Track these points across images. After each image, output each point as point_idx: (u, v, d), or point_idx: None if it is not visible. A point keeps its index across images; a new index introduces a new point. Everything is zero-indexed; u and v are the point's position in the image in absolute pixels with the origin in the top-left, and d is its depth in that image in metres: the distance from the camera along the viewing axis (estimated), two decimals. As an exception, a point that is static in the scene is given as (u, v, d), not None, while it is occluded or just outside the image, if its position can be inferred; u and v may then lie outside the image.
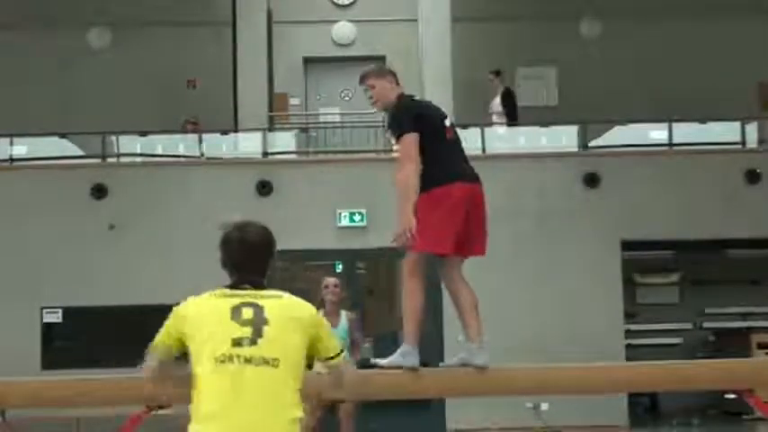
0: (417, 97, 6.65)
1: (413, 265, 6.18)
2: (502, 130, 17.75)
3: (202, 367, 4.09)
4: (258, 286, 4.31)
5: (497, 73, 17.75)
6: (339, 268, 16.40)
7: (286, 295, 4.33)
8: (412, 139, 6.20)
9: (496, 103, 17.66)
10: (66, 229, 16.12)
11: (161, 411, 6.03)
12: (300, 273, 16.39)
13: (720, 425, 16.62)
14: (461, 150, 6.44)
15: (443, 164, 6.24)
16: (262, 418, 3.99)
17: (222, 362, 4.04)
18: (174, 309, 4.41)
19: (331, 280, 10.61)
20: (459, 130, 6.72)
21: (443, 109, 6.72)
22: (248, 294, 4.24)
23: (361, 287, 16.13)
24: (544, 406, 14.62)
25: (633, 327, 17.38)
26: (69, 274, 16.00)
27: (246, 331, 4.09)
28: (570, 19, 20.01)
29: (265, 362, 4.05)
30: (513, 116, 17.59)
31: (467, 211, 6.26)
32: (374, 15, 20.41)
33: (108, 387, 6.34)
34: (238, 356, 4.04)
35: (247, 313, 4.14)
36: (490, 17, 19.82)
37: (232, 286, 4.31)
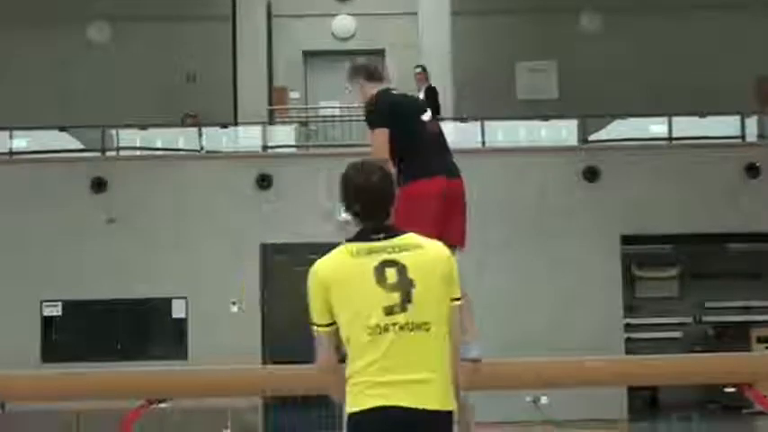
0: (396, 91, 6.53)
1: None
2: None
3: (356, 336, 4.08)
4: (390, 233, 4.20)
5: (424, 69, 17.64)
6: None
7: (422, 243, 4.21)
8: (380, 133, 6.21)
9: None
10: (66, 223, 16.12)
11: (160, 405, 6.03)
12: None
13: (720, 419, 16.63)
14: (443, 143, 6.34)
15: (421, 158, 6.21)
16: (418, 383, 4.02)
17: (378, 332, 4.04)
18: (311, 277, 4.26)
19: None
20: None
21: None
22: (385, 247, 4.17)
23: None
24: (544, 399, 14.64)
25: (633, 320, 17.38)
26: (69, 268, 16.01)
27: (395, 297, 4.05)
28: (570, 13, 19.99)
29: (418, 327, 4.05)
30: (435, 113, 17.48)
31: (445, 205, 6.19)
32: (374, 9, 20.39)
33: (108, 380, 6.34)
34: (393, 324, 4.03)
35: (391, 275, 4.08)
36: (490, 11, 19.79)
37: (365, 237, 4.24)
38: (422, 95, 17.27)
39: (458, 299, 4.27)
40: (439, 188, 6.18)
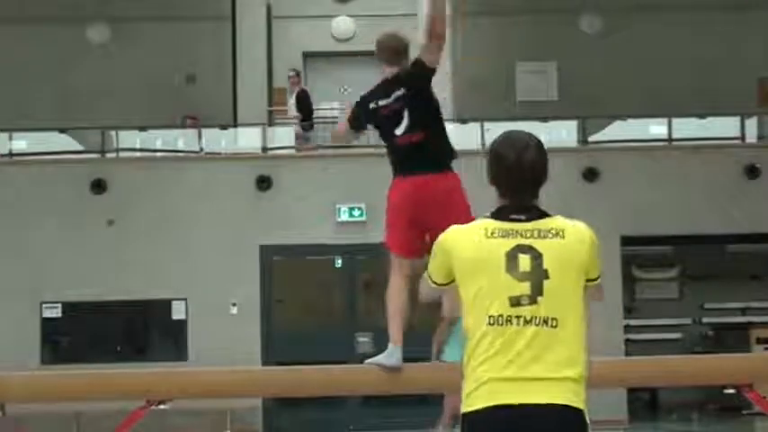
0: (369, 98, 6.48)
1: (392, 264, 6.25)
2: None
3: (476, 323, 3.70)
4: (532, 214, 3.82)
5: (298, 73, 17.66)
6: (339, 263, 16.42)
7: (566, 229, 3.86)
8: (342, 126, 6.63)
9: (291, 103, 17.64)
10: (66, 224, 16.13)
11: (161, 407, 6.03)
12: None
13: (719, 420, 16.63)
14: (419, 152, 6.18)
15: (394, 163, 6.31)
16: (543, 374, 3.66)
17: (500, 324, 3.66)
18: (437, 243, 3.88)
19: None
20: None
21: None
22: (524, 230, 3.77)
23: (361, 282, 16.15)
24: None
25: (633, 322, 17.39)
26: (69, 270, 16.01)
27: (525, 288, 3.68)
28: (570, 14, 20.00)
29: (545, 322, 3.68)
30: (307, 117, 17.51)
31: (413, 207, 6.12)
32: (374, 10, 20.38)
33: (108, 381, 6.34)
34: (518, 317, 3.65)
35: (524, 263, 3.70)
36: (490, 11, 19.80)
37: (503, 215, 3.83)
38: (293, 100, 17.33)
39: (596, 279, 3.98)
40: (402, 190, 6.19)
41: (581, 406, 3.76)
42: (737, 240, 17.45)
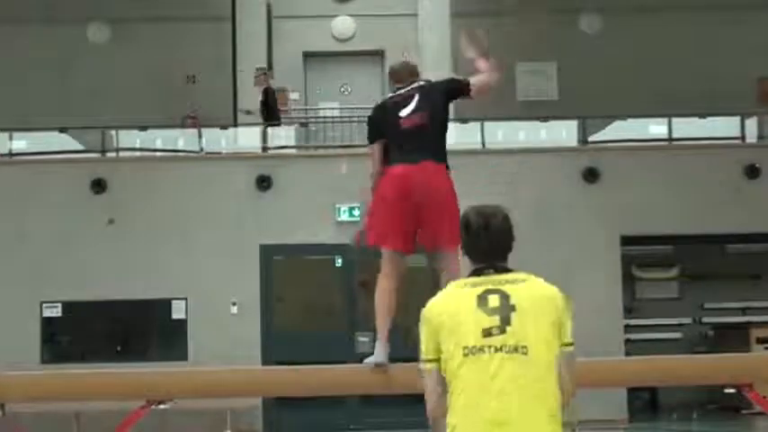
0: (390, 94, 6.63)
1: (382, 262, 6.26)
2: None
3: (453, 359, 4.01)
4: (501, 270, 4.19)
5: (265, 72, 17.60)
6: (338, 263, 16.42)
7: (531, 278, 4.20)
8: (371, 149, 6.52)
9: (260, 101, 17.60)
10: (66, 224, 16.13)
11: (161, 407, 6.03)
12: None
13: (719, 419, 16.63)
14: (419, 136, 6.30)
15: (390, 154, 6.36)
16: (517, 407, 3.93)
17: (473, 353, 3.98)
18: (424, 315, 4.19)
19: None
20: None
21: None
22: (492, 280, 4.14)
23: (358, 281, 16.14)
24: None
25: (632, 321, 17.39)
26: (69, 269, 16.01)
27: (495, 320, 4.01)
28: (570, 14, 20.00)
29: (515, 350, 3.97)
30: (272, 116, 17.49)
31: (403, 195, 6.17)
32: (374, 10, 20.39)
33: (108, 381, 6.34)
34: (489, 347, 3.97)
35: (493, 301, 4.06)
36: (490, 11, 19.78)
37: (476, 273, 4.20)
38: (260, 97, 17.31)
39: (569, 344, 4.15)
40: (394, 180, 6.21)
41: None
42: (737, 240, 17.45)
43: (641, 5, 19.79)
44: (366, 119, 6.76)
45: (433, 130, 6.32)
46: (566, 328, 4.14)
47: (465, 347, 3.98)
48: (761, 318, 17.58)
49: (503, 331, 3.98)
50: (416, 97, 6.39)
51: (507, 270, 4.20)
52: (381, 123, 6.46)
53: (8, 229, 16.10)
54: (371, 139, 6.52)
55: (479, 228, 4.24)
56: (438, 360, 4.10)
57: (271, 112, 17.30)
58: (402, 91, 6.49)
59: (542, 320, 4.05)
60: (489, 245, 4.23)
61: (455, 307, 4.08)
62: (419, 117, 6.33)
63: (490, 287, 4.10)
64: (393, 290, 6.17)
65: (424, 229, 6.17)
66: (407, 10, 19.58)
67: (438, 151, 6.31)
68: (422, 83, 6.53)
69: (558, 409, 4.06)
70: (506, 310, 4.02)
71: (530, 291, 4.12)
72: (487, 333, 3.98)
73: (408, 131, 6.30)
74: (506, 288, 4.10)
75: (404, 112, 6.36)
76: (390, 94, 6.59)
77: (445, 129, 6.44)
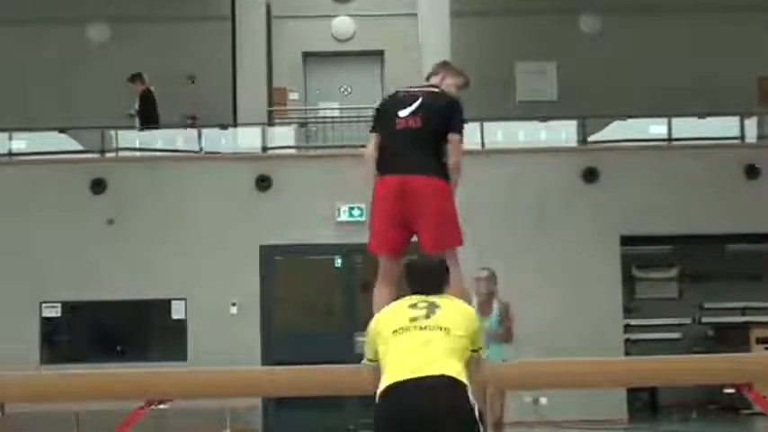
0: (407, 87, 6.63)
1: (378, 266, 6.30)
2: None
3: (385, 343, 5.02)
4: (433, 294, 5.23)
5: (133, 79, 17.60)
6: (338, 263, 16.42)
7: (457, 301, 5.27)
8: (369, 137, 6.51)
9: (136, 106, 17.62)
10: (66, 224, 16.13)
11: (160, 407, 6.03)
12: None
13: (719, 420, 16.63)
14: (412, 140, 6.28)
15: (383, 156, 6.33)
16: (434, 360, 4.83)
17: (400, 333, 4.98)
18: (369, 329, 5.24)
19: (483, 273, 11.13)
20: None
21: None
22: (424, 299, 5.18)
23: (360, 282, 16.14)
24: (543, 400, 14.66)
25: (632, 321, 17.39)
26: (68, 269, 16.01)
27: (421, 313, 5.04)
28: (570, 14, 20.00)
29: (438, 328, 4.95)
30: (151, 119, 17.48)
31: (394, 204, 6.17)
32: (373, 10, 20.40)
33: (107, 381, 6.34)
34: (415, 327, 4.98)
35: (422, 304, 5.10)
36: (489, 11, 19.80)
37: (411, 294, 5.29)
38: (137, 104, 17.30)
39: (477, 350, 5.16)
40: (385, 186, 6.20)
41: (462, 381, 4.83)
42: (737, 240, 17.46)
43: (641, 5, 19.79)
44: (366, 118, 6.80)
45: (428, 134, 6.29)
46: (478, 337, 5.15)
47: (394, 330, 4.98)
48: (761, 318, 17.58)
49: (427, 317, 4.99)
50: (419, 100, 6.38)
51: (439, 294, 5.26)
52: (382, 116, 6.49)
53: (8, 229, 16.11)
54: (372, 128, 6.58)
55: (416, 270, 5.39)
56: (376, 360, 5.10)
57: (148, 116, 17.32)
58: (413, 89, 6.51)
59: (460, 323, 5.02)
60: (424, 282, 5.30)
61: (390, 314, 5.15)
62: (415, 121, 6.33)
63: (421, 298, 5.17)
64: (390, 294, 6.19)
65: (420, 235, 6.20)
66: (407, 10, 19.57)
67: (432, 159, 6.25)
68: (435, 89, 6.51)
69: (464, 376, 4.87)
70: (432, 308, 5.05)
71: (453, 304, 5.16)
72: (414, 319, 5.00)
73: (403, 134, 6.31)
74: (434, 299, 5.14)
75: (403, 112, 6.35)
76: (406, 88, 6.62)
77: (439, 139, 6.34)
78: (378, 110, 6.57)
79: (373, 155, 6.37)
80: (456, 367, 4.81)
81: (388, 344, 4.95)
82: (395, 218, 6.15)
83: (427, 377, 4.73)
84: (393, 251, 6.27)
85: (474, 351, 5.07)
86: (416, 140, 6.26)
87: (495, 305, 11.17)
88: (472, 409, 4.75)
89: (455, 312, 5.06)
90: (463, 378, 4.80)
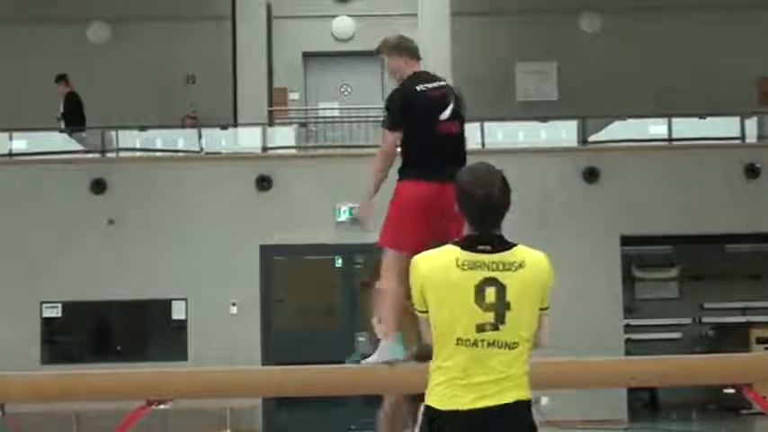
0: (424, 85, 6.18)
1: (387, 263, 6.11)
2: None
3: (445, 339, 4.23)
4: (497, 245, 4.27)
5: (64, 77, 17.61)
6: (338, 263, 16.42)
7: (527, 261, 4.30)
8: (390, 136, 6.08)
9: (61, 108, 17.59)
10: (66, 224, 16.13)
11: (161, 407, 6.03)
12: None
13: (719, 419, 16.63)
14: (454, 147, 6.07)
15: (421, 158, 6.02)
16: (496, 383, 4.19)
17: (466, 346, 4.19)
18: (413, 269, 4.33)
19: None
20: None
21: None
22: (490, 263, 4.24)
23: (360, 282, 16.14)
24: (544, 400, 14.63)
25: (632, 321, 17.40)
26: (69, 269, 16.01)
27: (489, 317, 4.19)
28: (570, 13, 20.00)
29: (506, 345, 4.21)
30: (76, 121, 17.46)
31: (431, 212, 5.96)
32: (373, 10, 20.39)
33: (108, 381, 6.34)
34: (482, 341, 4.19)
35: (490, 296, 4.20)
36: (490, 11, 19.81)
37: (471, 245, 4.28)
38: (62, 106, 17.29)
39: (546, 308, 4.41)
40: (423, 194, 5.99)
41: (528, 397, 4.30)
42: (737, 240, 17.46)
43: (641, 5, 19.79)
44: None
45: (463, 144, 6.11)
46: (547, 294, 4.41)
47: (458, 339, 4.19)
48: (761, 318, 17.59)
49: (496, 328, 4.19)
50: (452, 101, 6.12)
51: (503, 245, 4.29)
52: (413, 113, 6.03)
53: (8, 229, 16.10)
54: (395, 124, 6.05)
55: (480, 198, 4.35)
56: (427, 311, 4.29)
57: (74, 118, 17.31)
58: (433, 85, 6.15)
59: (533, 308, 4.30)
60: (488, 212, 4.33)
61: (448, 286, 4.22)
62: (455, 126, 6.10)
63: (487, 274, 4.21)
64: (401, 290, 6.10)
65: (450, 235, 6.12)
66: (407, 10, 19.55)
67: (458, 165, 6.16)
68: (449, 84, 6.24)
69: (526, 385, 4.32)
70: (501, 306, 4.20)
71: (526, 280, 4.26)
72: (481, 329, 4.18)
73: (447, 138, 6.05)
74: (503, 278, 4.22)
75: (443, 116, 6.07)
76: (423, 85, 6.15)
77: None
78: (404, 104, 6.07)
79: (395, 153, 6.11)
80: (519, 379, 4.40)
81: (449, 346, 4.34)
82: (432, 227, 5.98)
83: (485, 411, 4.27)
84: (415, 252, 6.23)
85: (542, 310, 4.46)
86: (457, 147, 6.07)
87: None
88: None
89: (526, 292, 4.35)
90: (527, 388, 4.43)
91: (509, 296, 4.21)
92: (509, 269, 4.24)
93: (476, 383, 4.17)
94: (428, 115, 6.06)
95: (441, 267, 4.25)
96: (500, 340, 4.19)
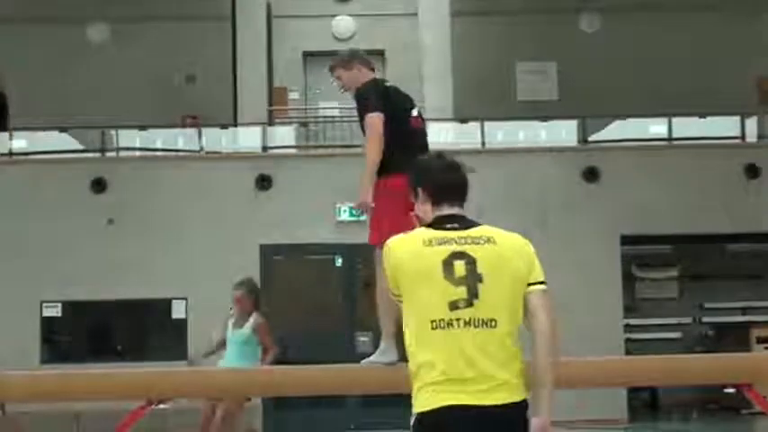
0: (389, 83, 6.51)
1: (381, 260, 6.11)
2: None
3: (419, 326, 4.09)
4: (463, 223, 4.21)
5: None
6: (339, 262, 16.41)
7: (496, 237, 4.21)
8: (376, 119, 6.15)
9: None
10: (66, 223, 16.12)
11: (160, 407, 6.03)
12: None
13: (719, 419, 16.63)
14: (425, 143, 6.28)
15: (403, 151, 6.05)
16: (483, 371, 4.04)
17: (441, 327, 4.04)
18: (386, 252, 4.25)
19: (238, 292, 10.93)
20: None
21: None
22: (458, 238, 4.15)
23: (360, 281, 16.14)
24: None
25: (633, 321, 17.39)
26: (69, 269, 16.00)
27: (462, 292, 4.06)
28: (570, 13, 20.01)
29: (483, 323, 4.06)
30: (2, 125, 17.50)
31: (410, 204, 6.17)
32: (374, 9, 20.40)
33: (107, 381, 6.34)
34: (457, 320, 4.04)
35: (459, 269, 4.08)
36: (490, 11, 19.80)
37: (439, 225, 4.23)
38: None
39: (541, 282, 4.25)
40: (407, 186, 6.14)
41: (522, 397, 4.17)
42: (737, 240, 17.46)
43: (641, 5, 19.79)
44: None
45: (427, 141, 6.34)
46: (535, 268, 4.26)
47: (432, 321, 4.05)
48: (761, 318, 17.59)
49: (470, 304, 4.05)
50: (413, 103, 6.40)
51: (469, 224, 4.22)
52: (389, 105, 6.22)
53: (8, 229, 16.10)
54: (378, 106, 6.16)
55: (439, 168, 4.34)
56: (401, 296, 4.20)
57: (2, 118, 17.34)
58: (395, 85, 6.44)
59: (513, 286, 4.14)
60: (450, 186, 4.30)
61: (418, 264, 4.12)
62: (420, 122, 6.36)
63: (456, 248, 4.11)
64: None
65: None
66: (407, 10, 19.57)
67: None
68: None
69: (521, 372, 4.17)
70: (473, 279, 4.07)
71: (496, 254, 4.15)
72: (454, 306, 4.04)
73: (418, 133, 6.29)
74: (472, 251, 4.11)
75: (415, 112, 6.35)
76: (388, 82, 6.49)
77: None
78: (384, 94, 6.27)
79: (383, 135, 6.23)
80: (510, 375, 4.24)
81: (423, 330, 4.19)
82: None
83: (474, 409, 4.15)
84: None
85: (536, 284, 4.31)
86: (426, 143, 6.29)
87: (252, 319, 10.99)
88: None
89: (499, 265, 4.20)
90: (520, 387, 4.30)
91: (480, 268, 4.08)
92: (477, 242, 4.14)
93: (460, 380, 4.02)
94: (403, 110, 6.27)
95: (411, 248, 4.17)
96: (476, 318, 4.04)
